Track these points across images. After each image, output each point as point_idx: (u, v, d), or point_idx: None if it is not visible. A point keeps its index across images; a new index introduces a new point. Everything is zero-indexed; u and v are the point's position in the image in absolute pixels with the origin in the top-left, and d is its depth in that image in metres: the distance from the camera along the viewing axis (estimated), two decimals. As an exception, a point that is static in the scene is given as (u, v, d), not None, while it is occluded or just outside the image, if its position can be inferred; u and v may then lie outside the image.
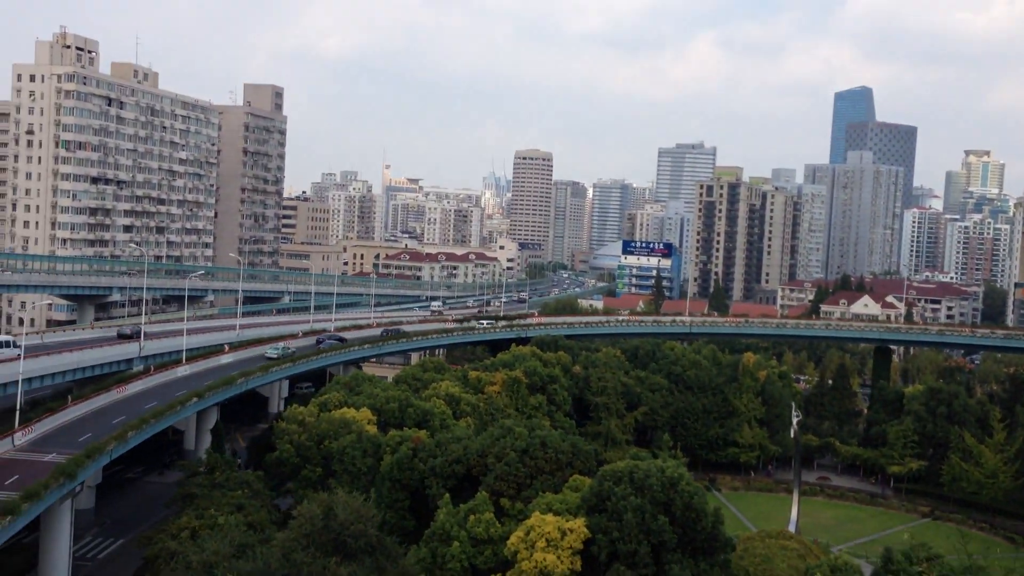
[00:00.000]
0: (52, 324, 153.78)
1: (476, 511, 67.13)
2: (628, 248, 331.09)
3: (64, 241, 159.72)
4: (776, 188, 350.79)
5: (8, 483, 57.53)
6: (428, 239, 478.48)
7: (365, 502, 61.40)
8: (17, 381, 73.99)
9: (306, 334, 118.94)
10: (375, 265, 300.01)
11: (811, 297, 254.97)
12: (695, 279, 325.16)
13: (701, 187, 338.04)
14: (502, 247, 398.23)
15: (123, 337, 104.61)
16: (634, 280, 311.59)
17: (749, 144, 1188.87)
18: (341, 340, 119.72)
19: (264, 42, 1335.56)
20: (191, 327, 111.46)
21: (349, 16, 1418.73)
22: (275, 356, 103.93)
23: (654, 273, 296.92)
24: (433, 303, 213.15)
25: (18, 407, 66.81)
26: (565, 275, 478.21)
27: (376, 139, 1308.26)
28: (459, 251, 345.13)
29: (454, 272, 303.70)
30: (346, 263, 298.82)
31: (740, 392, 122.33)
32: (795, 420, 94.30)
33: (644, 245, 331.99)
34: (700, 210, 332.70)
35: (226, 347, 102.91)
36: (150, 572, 60.64)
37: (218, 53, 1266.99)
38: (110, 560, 75.98)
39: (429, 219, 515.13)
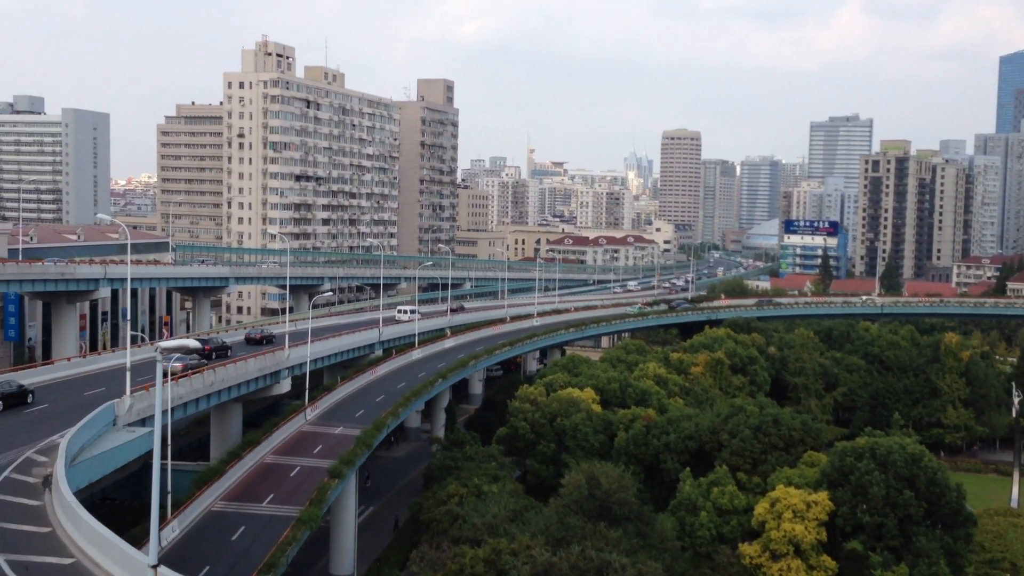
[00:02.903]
0: (266, 312, 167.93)
1: (718, 484, 71.70)
2: (791, 227, 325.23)
3: (273, 236, 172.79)
4: (946, 161, 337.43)
5: (315, 452, 66.00)
6: (581, 222, 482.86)
7: (623, 473, 66.93)
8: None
9: (513, 319, 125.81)
10: (536, 250, 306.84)
11: (990, 274, 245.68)
12: (861, 257, 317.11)
13: (866, 162, 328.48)
14: (658, 229, 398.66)
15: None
16: (798, 260, 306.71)
17: (905, 114, 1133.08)
18: (693, 304, 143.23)
19: (404, 33, 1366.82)
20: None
21: (485, 1, 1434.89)
22: (634, 313, 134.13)
23: (819, 252, 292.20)
24: (630, 283, 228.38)
25: (307, 386, 75.32)
26: (717, 255, 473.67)
27: (518, 123, 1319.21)
28: (617, 234, 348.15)
29: (615, 255, 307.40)
30: (507, 247, 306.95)
31: (943, 372, 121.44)
32: (1016, 401, 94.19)
33: (808, 224, 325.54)
34: (865, 186, 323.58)
35: (448, 332, 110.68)
36: (428, 534, 67.85)
37: (362, 46, 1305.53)
38: (367, 524, 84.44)
39: (581, 202, 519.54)
